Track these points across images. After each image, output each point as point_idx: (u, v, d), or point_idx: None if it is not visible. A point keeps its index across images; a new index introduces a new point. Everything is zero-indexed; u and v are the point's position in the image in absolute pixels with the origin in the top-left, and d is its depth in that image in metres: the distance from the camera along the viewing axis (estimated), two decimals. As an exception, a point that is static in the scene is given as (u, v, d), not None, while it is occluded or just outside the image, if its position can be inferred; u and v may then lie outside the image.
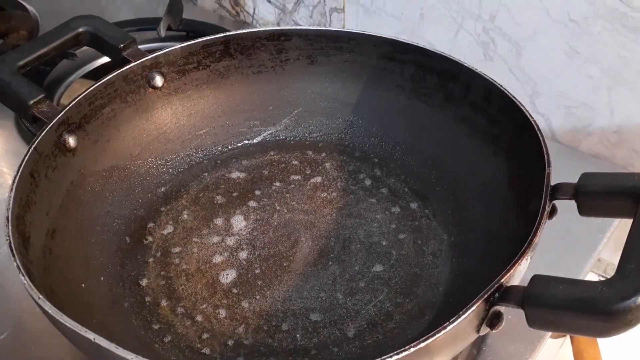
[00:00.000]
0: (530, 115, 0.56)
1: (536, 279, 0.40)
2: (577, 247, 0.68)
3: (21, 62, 0.64)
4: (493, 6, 0.78)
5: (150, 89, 0.69)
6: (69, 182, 0.61)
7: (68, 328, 0.41)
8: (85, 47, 0.73)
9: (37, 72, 0.70)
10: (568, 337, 0.70)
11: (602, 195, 0.47)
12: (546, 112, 0.82)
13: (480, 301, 0.41)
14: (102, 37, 0.68)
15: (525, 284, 0.41)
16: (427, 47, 0.67)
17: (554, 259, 0.61)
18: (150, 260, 0.62)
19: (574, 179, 0.50)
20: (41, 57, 0.66)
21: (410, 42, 0.68)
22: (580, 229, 0.69)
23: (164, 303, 0.58)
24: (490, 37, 0.80)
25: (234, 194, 0.69)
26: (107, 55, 0.73)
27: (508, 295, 0.41)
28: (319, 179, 0.70)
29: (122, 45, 0.67)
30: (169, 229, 0.65)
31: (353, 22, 0.93)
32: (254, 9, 1.04)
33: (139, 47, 0.68)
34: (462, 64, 0.64)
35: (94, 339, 0.40)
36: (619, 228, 0.70)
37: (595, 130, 0.79)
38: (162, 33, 0.91)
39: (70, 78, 0.91)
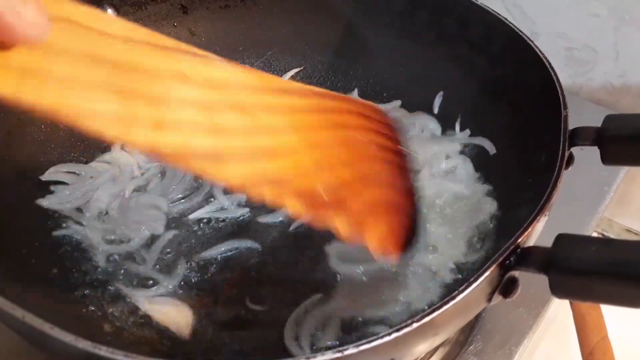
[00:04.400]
0: (541, 52, 0.49)
1: (562, 239, 0.34)
2: (580, 202, 0.62)
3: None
4: None
5: (101, 24, 0.60)
6: (5, 132, 0.52)
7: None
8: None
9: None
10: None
11: (630, 140, 0.40)
12: (545, 55, 0.74)
13: (494, 266, 0.34)
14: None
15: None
16: (418, -25, 0.58)
17: (554, 215, 0.55)
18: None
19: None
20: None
21: (398, -29, 0.59)
22: (583, 182, 0.62)
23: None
24: (486, -30, 0.72)
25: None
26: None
27: (527, 258, 0.35)
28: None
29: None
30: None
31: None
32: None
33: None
34: (460, -7, 0.56)
35: (23, 317, 0.32)
36: (625, 180, 0.64)
37: (597, 74, 0.72)
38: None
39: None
